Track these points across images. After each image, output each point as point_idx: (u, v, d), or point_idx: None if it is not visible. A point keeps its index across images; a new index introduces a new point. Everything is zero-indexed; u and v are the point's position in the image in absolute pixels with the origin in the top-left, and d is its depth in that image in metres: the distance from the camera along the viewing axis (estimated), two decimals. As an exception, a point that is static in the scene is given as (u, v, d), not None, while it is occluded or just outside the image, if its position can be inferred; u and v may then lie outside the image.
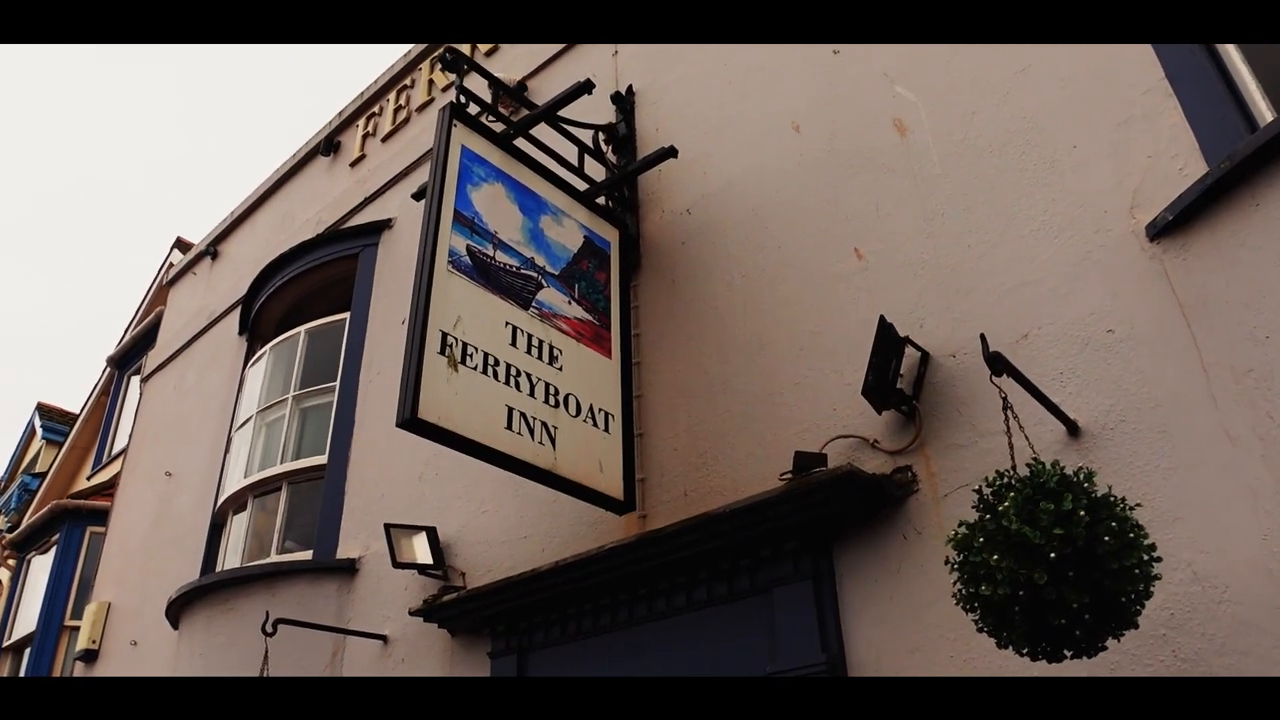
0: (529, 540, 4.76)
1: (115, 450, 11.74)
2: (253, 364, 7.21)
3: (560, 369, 4.23)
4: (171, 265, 12.45)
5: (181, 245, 12.46)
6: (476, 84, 5.51)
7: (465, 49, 6.88)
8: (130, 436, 9.12)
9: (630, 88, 5.50)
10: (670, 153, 4.63)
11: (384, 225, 6.82)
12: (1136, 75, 3.58)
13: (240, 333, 7.87)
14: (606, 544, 4.10)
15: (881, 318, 3.56)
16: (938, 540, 3.45)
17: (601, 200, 5.00)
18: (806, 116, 4.59)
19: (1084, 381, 3.29)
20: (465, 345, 3.86)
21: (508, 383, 3.96)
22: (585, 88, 4.63)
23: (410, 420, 3.55)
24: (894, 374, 3.60)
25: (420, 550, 5.00)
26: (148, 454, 8.55)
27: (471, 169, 4.30)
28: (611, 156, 5.19)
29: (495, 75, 4.70)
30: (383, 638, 5.23)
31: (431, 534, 5.08)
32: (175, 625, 6.64)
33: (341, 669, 5.41)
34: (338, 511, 5.93)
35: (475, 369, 3.86)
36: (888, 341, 3.54)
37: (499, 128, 4.90)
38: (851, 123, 4.41)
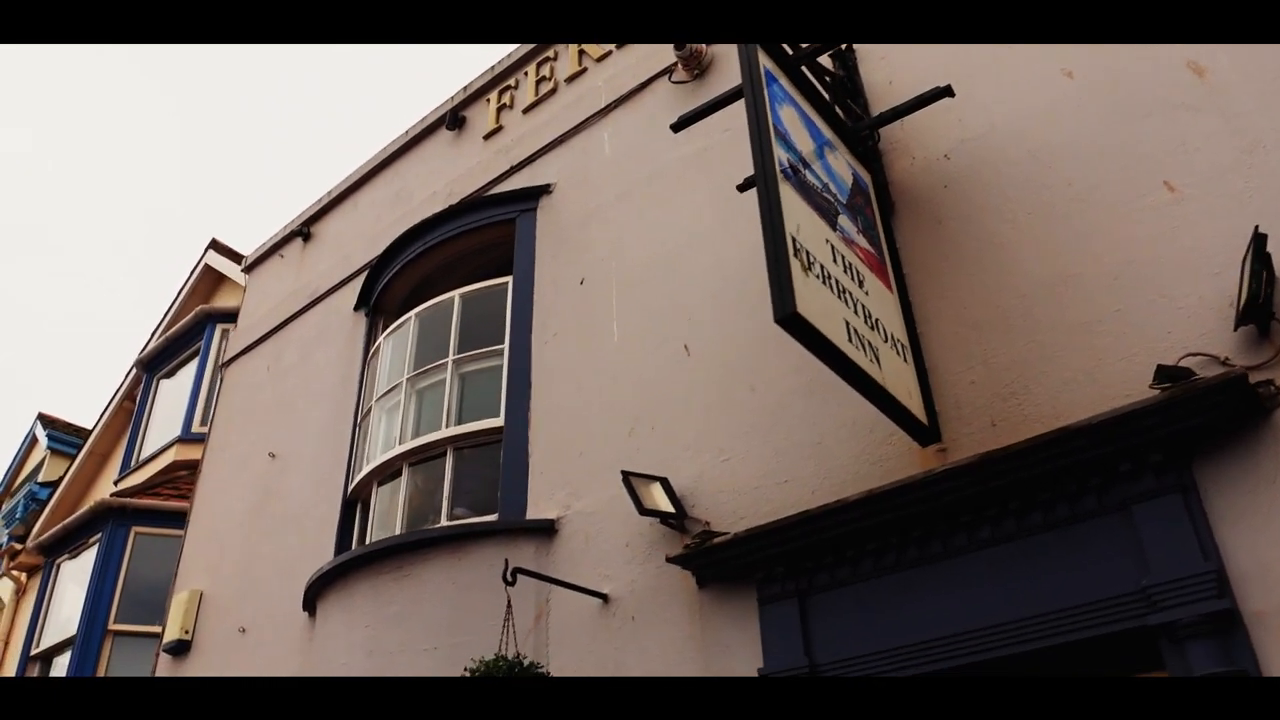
0: (790, 484, 4.58)
1: (146, 453, 11.10)
2: (390, 333, 6.89)
3: (867, 293, 4.12)
4: (208, 266, 12.00)
5: (217, 246, 12.05)
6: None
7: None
8: (211, 423, 8.60)
9: (849, 44, 5.50)
10: (946, 91, 4.60)
11: (542, 190, 6.64)
12: None
13: (357, 307, 7.53)
14: (937, 468, 3.96)
15: (1256, 228, 3.55)
16: (1316, 450, 3.42)
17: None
18: (1078, 64, 4.62)
19: None
20: (808, 253, 3.73)
21: (840, 297, 3.84)
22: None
23: (790, 316, 3.39)
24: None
25: (661, 499, 4.78)
26: (239, 437, 8.07)
27: (772, 88, 4.21)
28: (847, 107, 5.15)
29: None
30: (603, 596, 4.95)
31: (665, 484, 4.86)
32: (312, 603, 6.23)
33: (547, 634, 5.09)
34: (523, 473, 5.64)
35: (818, 278, 3.73)
36: (1261, 254, 3.53)
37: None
38: (1134, 68, 4.45)
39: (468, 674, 4.08)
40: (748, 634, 4.40)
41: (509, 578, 4.52)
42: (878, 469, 4.33)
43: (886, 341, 4.09)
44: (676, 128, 4.98)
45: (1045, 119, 4.60)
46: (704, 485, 4.88)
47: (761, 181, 3.72)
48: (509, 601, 4.52)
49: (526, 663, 4.21)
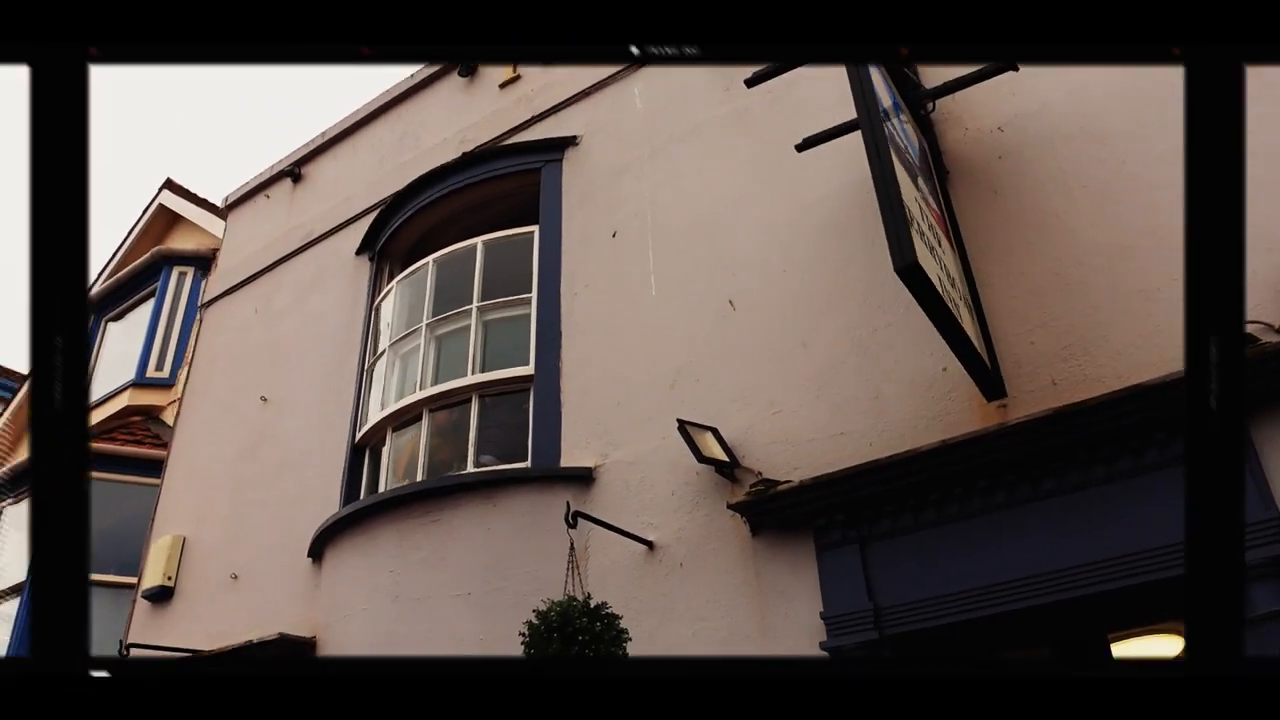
0: (847, 437, 4.71)
1: (94, 397, 10.58)
2: (404, 279, 6.76)
3: (944, 251, 4.26)
4: (163, 206, 11.52)
5: (172, 186, 11.55)
6: None
7: None
8: (189, 365, 8.28)
9: (897, 16, 5.62)
10: (1010, 65, 4.77)
11: (568, 142, 6.60)
12: None
13: (360, 251, 7.36)
14: (1010, 421, 4.14)
15: (1321, 206, 3.82)
16: (1371, 413, 3.72)
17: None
18: (1131, 45, 4.85)
19: None
20: (907, 207, 3.84)
21: (931, 253, 3.97)
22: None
23: (910, 265, 3.51)
24: (1314, 263, 3.86)
25: (715, 448, 4.85)
26: (223, 381, 7.81)
27: (862, 49, 4.29)
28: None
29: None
30: (648, 543, 5.02)
31: (716, 434, 4.94)
32: (320, 549, 6.12)
33: (586, 580, 5.13)
34: (556, 421, 5.64)
35: (917, 232, 3.85)
36: (1326, 228, 3.80)
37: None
38: (1186, 52, 4.69)
39: (537, 615, 4.09)
40: (805, 581, 4.52)
41: (570, 520, 4.53)
42: (937, 424, 4.49)
43: (962, 299, 4.25)
44: (751, 83, 5.03)
45: (1099, 97, 4.81)
46: (754, 437, 4.98)
47: (869, 134, 3.82)
48: (571, 544, 4.54)
49: (595, 604, 4.25)
